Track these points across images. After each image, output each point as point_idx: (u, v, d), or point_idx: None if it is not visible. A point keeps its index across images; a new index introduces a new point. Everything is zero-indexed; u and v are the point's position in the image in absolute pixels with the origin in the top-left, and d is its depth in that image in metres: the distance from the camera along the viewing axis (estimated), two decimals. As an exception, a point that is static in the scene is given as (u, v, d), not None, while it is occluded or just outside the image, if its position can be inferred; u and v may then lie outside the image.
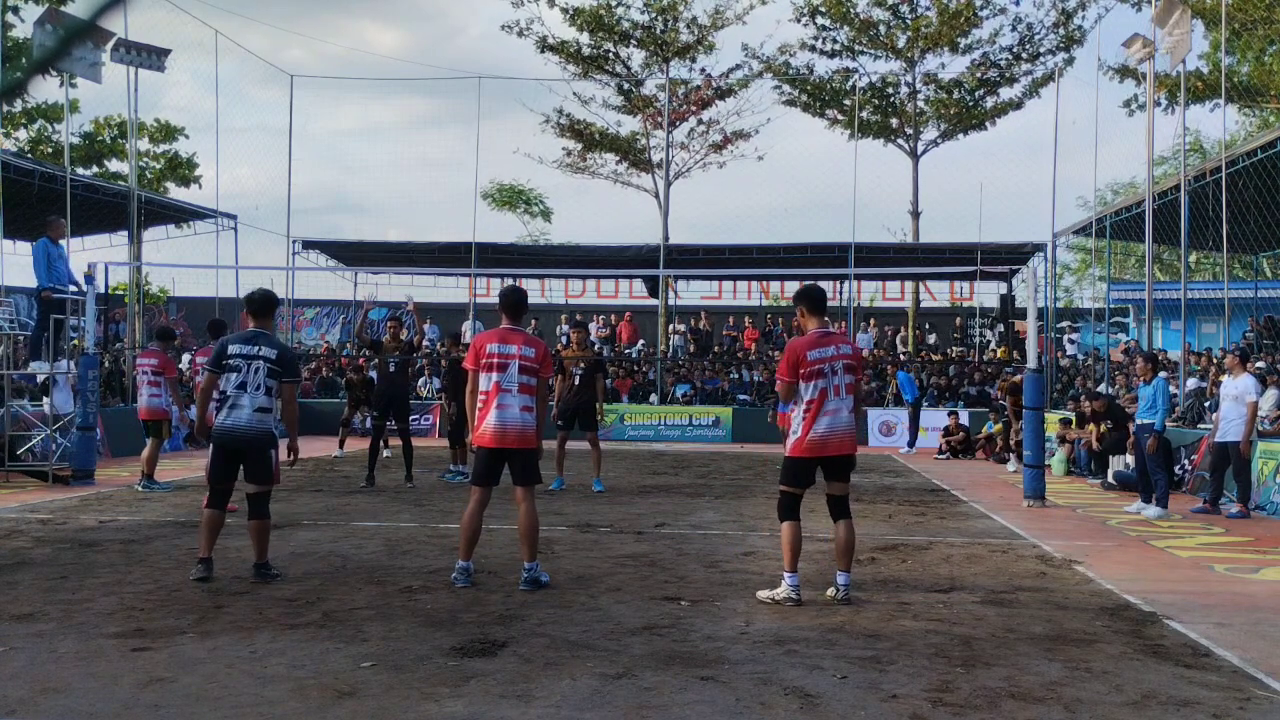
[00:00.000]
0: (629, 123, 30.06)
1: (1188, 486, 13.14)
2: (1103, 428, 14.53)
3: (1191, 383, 16.60)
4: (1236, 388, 10.89)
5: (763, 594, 6.32)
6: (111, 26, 18.77)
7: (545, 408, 6.95)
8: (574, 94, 29.30)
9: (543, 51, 29.22)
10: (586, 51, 29.14)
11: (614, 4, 28.59)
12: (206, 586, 6.48)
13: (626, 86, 29.63)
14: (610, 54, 29.31)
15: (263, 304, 7.13)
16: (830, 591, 6.40)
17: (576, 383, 12.12)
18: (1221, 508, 11.05)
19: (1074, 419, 16.07)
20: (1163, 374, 11.42)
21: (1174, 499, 11.29)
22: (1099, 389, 19.16)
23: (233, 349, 6.83)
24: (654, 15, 28.73)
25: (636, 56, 29.46)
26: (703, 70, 29.44)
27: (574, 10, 28.43)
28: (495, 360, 6.53)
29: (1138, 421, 11.35)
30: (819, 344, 6.30)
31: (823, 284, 34.84)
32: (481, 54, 79.55)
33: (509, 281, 30.80)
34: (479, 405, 6.56)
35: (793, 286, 33.65)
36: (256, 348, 6.80)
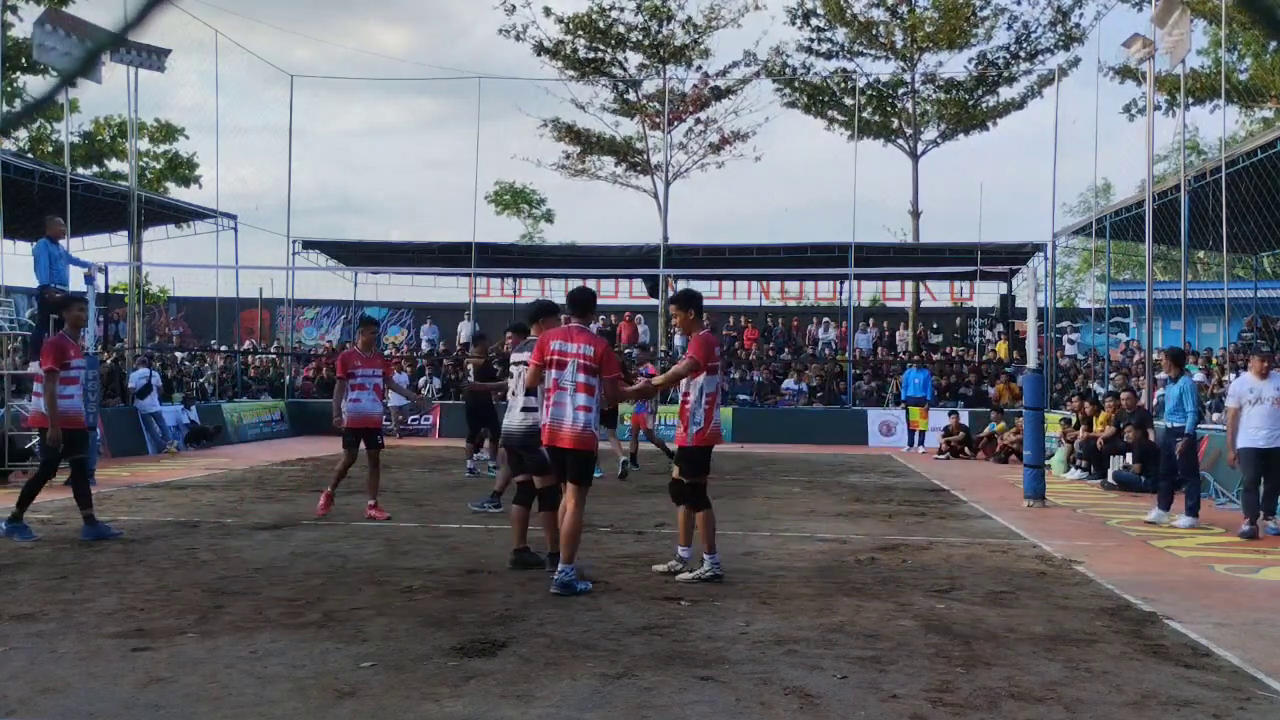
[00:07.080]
0: (626, 125, 30.13)
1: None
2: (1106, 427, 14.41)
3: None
4: (1276, 389, 9.46)
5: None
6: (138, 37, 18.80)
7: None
8: (572, 100, 29.36)
9: (539, 55, 29.26)
10: (583, 55, 29.14)
11: (607, 7, 28.60)
12: (205, 586, 6.48)
13: (623, 88, 29.63)
14: (606, 57, 29.30)
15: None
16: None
17: None
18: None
19: (1075, 419, 16.04)
20: (1190, 373, 10.59)
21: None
22: (1098, 388, 19.13)
23: None
24: (647, 17, 28.72)
25: (633, 59, 29.48)
26: (699, 69, 29.46)
27: (568, 19, 28.45)
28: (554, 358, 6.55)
29: (1166, 424, 10.48)
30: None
31: (823, 284, 34.23)
32: (487, 55, 79.74)
33: (509, 281, 31.05)
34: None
35: (793, 287, 33.80)
36: None
